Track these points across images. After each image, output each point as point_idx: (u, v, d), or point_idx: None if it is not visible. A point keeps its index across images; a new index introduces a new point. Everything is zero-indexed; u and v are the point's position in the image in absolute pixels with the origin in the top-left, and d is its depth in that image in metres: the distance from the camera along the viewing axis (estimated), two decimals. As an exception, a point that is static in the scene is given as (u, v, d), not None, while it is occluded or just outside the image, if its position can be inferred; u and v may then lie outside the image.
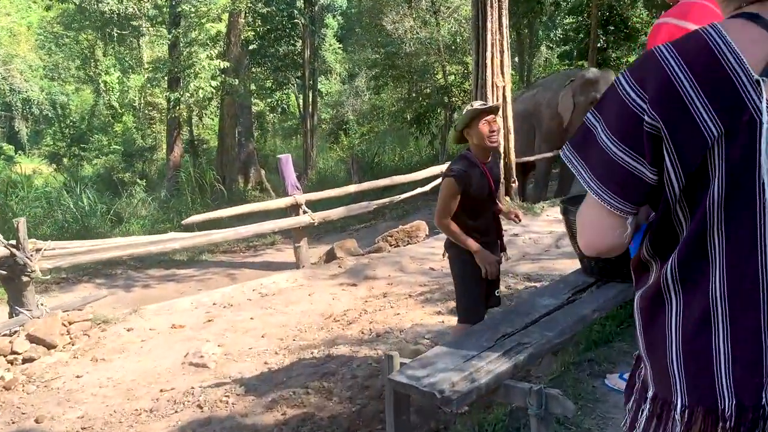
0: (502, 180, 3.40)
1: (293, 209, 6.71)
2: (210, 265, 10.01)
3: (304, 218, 6.69)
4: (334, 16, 32.67)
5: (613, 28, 19.17)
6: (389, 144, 20.55)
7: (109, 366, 4.45)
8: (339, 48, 31.67)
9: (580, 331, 2.48)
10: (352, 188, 7.64)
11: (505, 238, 3.30)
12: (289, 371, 3.87)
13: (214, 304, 5.83)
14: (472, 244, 2.97)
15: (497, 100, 8.08)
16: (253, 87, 20.11)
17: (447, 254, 3.19)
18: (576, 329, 2.42)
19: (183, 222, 6.62)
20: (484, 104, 3.08)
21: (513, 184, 8.88)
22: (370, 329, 4.43)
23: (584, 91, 9.30)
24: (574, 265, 6.17)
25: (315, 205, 9.13)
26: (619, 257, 2.63)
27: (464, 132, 3.09)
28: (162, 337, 4.99)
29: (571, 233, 2.76)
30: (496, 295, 3.23)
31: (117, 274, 9.52)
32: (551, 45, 26.52)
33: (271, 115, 27.79)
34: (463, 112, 3.09)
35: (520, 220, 3.26)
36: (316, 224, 6.92)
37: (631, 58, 24.56)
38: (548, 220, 8.24)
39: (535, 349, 2.19)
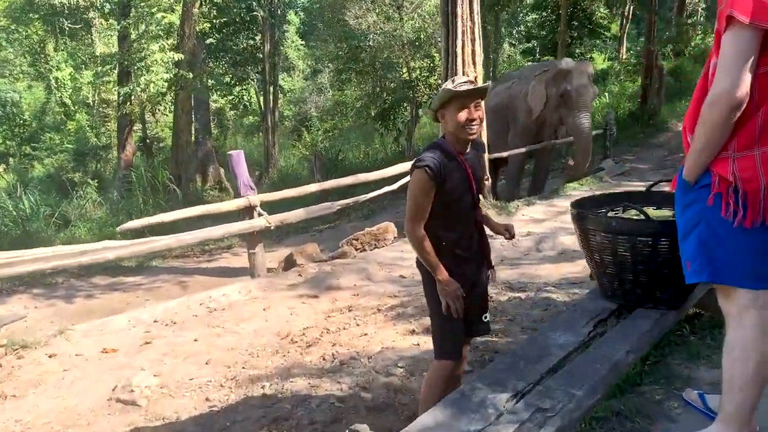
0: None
1: (247, 212, 6.00)
2: (160, 271, 9.26)
3: (259, 221, 5.99)
4: (296, 12, 31.92)
5: (577, 23, 18.93)
6: (354, 141, 19.93)
7: (19, 404, 3.71)
8: (301, 44, 30.95)
9: (614, 383, 1.88)
10: (313, 187, 6.96)
11: None
12: (234, 412, 3.20)
13: (155, 321, 5.11)
14: (440, 272, 2.39)
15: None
16: (210, 82, 19.23)
17: (421, 274, 2.58)
18: (610, 381, 1.83)
19: (118, 229, 5.86)
20: (470, 84, 2.45)
21: (486, 182, 8.33)
22: (333, 354, 3.78)
23: (557, 82, 8.79)
24: (558, 271, 5.64)
25: (274, 207, 8.44)
26: (651, 276, 2.04)
27: (438, 114, 2.46)
28: (89, 365, 4.26)
29: (588, 245, 2.17)
30: (484, 321, 2.62)
31: (58, 283, 8.72)
32: (513, 42, 26.33)
33: (231, 111, 26.91)
34: (441, 88, 2.44)
35: (513, 237, 2.67)
36: (272, 228, 6.22)
37: (596, 54, 24.65)
38: (524, 219, 7.70)
39: (563, 419, 1.57)
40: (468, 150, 2.50)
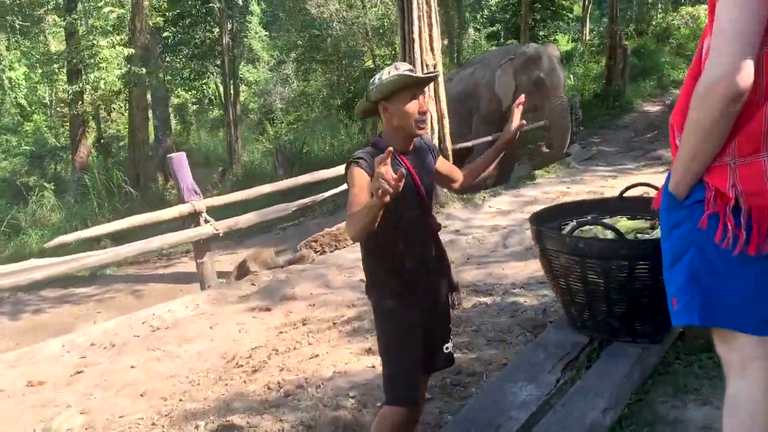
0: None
1: (192, 218, 5.56)
2: (114, 280, 8.80)
3: (206, 229, 5.56)
4: (258, 2, 31.19)
5: (540, 6, 18.67)
6: (319, 132, 19.47)
7: None
8: (265, 35, 30.27)
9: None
10: (267, 188, 6.53)
11: (443, 237, 2.30)
12: (161, 461, 2.81)
13: (91, 345, 4.67)
14: (369, 206, 1.75)
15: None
16: (168, 77, 18.58)
17: (372, 306, 2.21)
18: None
19: (46, 245, 5.38)
20: (413, 71, 2.08)
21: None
22: (279, 383, 3.40)
23: (527, 69, 8.50)
24: (526, 269, 5.31)
25: (227, 210, 8.00)
26: (628, 305, 1.70)
27: (381, 105, 2.07)
28: (11, 401, 3.82)
29: (550, 269, 1.81)
30: (446, 351, 2.26)
31: (4, 298, 8.23)
32: (478, 26, 26.04)
33: (194, 106, 26.20)
34: (383, 77, 2.03)
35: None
36: (221, 235, 5.80)
37: (560, 36, 24.49)
38: (490, 212, 7.39)
39: None
40: (410, 149, 2.14)
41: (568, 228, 2.02)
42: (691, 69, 1.40)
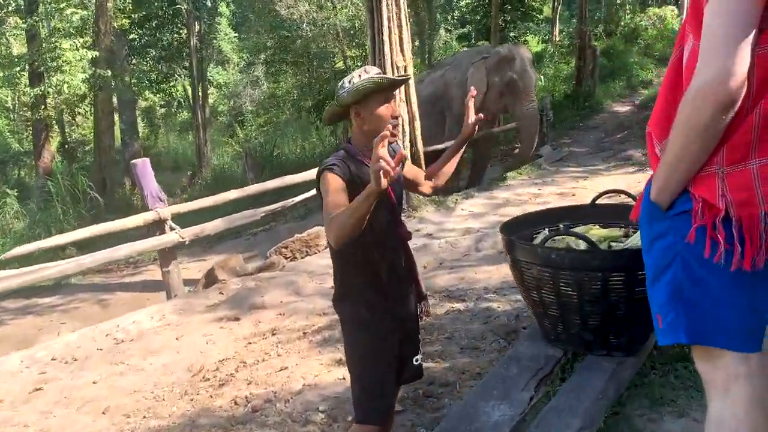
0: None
1: (157, 226, 5.40)
2: (79, 289, 8.56)
3: (171, 237, 5.40)
4: (227, 4, 30.88)
5: (510, 7, 18.77)
6: (290, 135, 19.31)
7: None
8: (235, 36, 29.98)
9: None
10: (233, 194, 6.37)
11: (416, 241, 2.21)
12: (121, 485, 2.68)
13: (53, 359, 4.50)
14: (366, 190, 1.62)
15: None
16: (134, 80, 18.24)
17: (340, 321, 2.12)
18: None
19: (2, 257, 5.18)
20: (384, 75, 2.00)
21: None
22: (246, 397, 3.29)
23: (499, 69, 8.47)
24: (499, 273, 5.25)
25: (195, 216, 7.83)
26: (603, 317, 1.63)
27: (352, 110, 1.98)
28: (-36, 422, 3.64)
29: (522, 280, 1.74)
30: (415, 363, 2.18)
31: (-37, 311, 7.95)
32: (449, 27, 26.11)
33: (161, 109, 25.82)
34: (353, 80, 1.95)
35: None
36: (187, 242, 5.64)
37: (530, 38, 24.68)
38: (463, 215, 7.34)
39: None
40: None
41: (539, 237, 1.96)
42: (668, 72, 1.33)
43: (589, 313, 1.63)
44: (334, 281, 2.11)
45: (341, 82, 2.01)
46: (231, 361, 3.93)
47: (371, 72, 1.98)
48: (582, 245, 1.73)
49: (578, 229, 1.97)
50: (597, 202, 2.07)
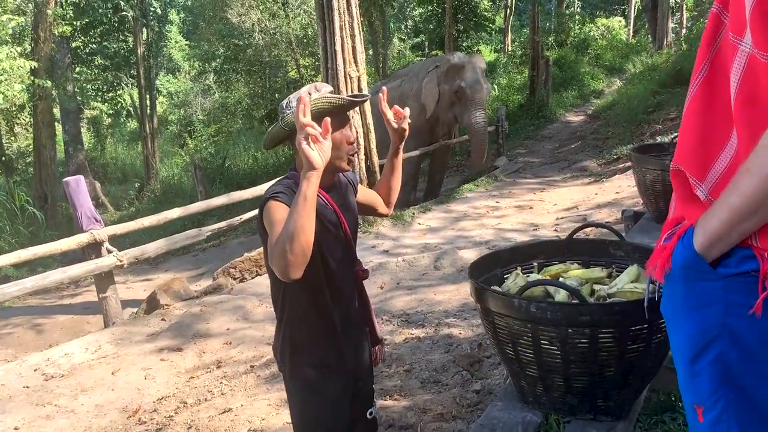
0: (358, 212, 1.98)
1: (93, 248, 5.00)
2: (12, 312, 7.99)
3: (108, 260, 4.99)
4: (178, 12, 30.24)
5: (462, 17, 18.82)
6: (242, 145, 18.87)
7: None
8: (186, 44, 29.36)
9: None
10: (176, 213, 5.98)
11: (372, 259, 1.97)
12: None
13: (-29, 400, 4.06)
14: (303, 180, 1.42)
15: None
16: (78, 89, 17.52)
17: (283, 370, 1.83)
18: None
19: None
20: (336, 94, 1.73)
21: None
22: (185, 447, 2.97)
23: (449, 78, 8.30)
24: (459, 293, 5.02)
25: (136, 234, 7.39)
26: (589, 378, 1.40)
27: None
28: None
29: (495, 333, 1.50)
30: (369, 417, 1.91)
31: None
32: (403, 37, 26.10)
33: (109, 119, 24.98)
34: (304, 98, 1.68)
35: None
36: (125, 266, 5.25)
37: (482, 47, 24.86)
38: (420, 229, 7.13)
39: None
40: (333, 184, 1.80)
41: (511, 278, 1.72)
42: (696, 99, 1.05)
43: (575, 373, 1.40)
44: (276, 330, 1.82)
45: (286, 100, 1.73)
46: (171, 399, 3.59)
47: (322, 90, 1.70)
48: (563, 293, 1.50)
49: (554, 268, 1.74)
50: (573, 237, 1.85)
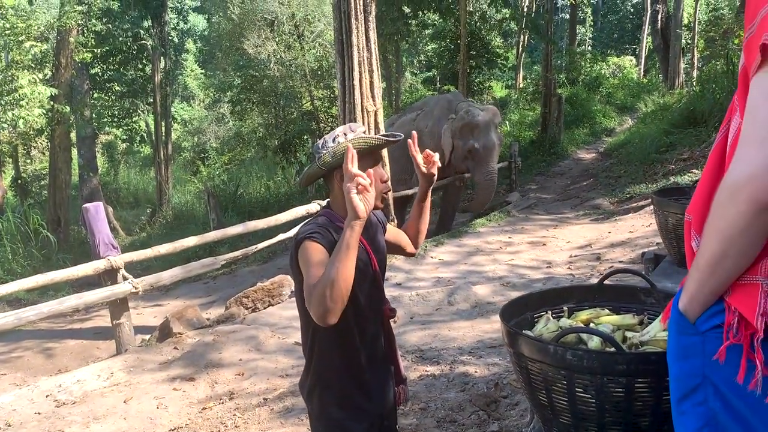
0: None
1: (109, 275, 5.03)
2: (23, 336, 7.99)
3: (123, 287, 5.02)
4: (194, 41, 30.81)
5: (474, 53, 19.05)
6: (255, 173, 19.02)
7: None
8: (201, 73, 29.84)
9: None
10: (192, 241, 6.02)
11: (385, 292, 1.95)
12: None
13: (-19, 425, 4.05)
14: (350, 222, 1.44)
15: (369, 128, 6.89)
16: (95, 115, 17.78)
17: (308, 405, 1.83)
18: None
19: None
20: (370, 134, 1.77)
21: (391, 223, 7.71)
22: (199, 480, 2.94)
23: (463, 135, 8.66)
24: (473, 330, 5.00)
25: (148, 261, 7.40)
26: (624, 428, 1.39)
27: (336, 173, 1.71)
28: None
29: (528, 380, 1.50)
30: None
31: None
32: (415, 71, 26.43)
33: (123, 144, 25.28)
34: (338, 139, 1.70)
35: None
36: (140, 293, 5.27)
37: (494, 83, 25.11)
38: (433, 263, 7.12)
39: None
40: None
41: (541, 322, 1.72)
42: (712, 156, 1.12)
43: (609, 422, 1.39)
44: (305, 368, 1.83)
45: (321, 140, 1.76)
46: (183, 430, 3.57)
47: (357, 130, 1.74)
48: (595, 340, 1.50)
49: (585, 313, 1.75)
50: (604, 282, 1.85)
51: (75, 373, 4.73)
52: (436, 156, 1.91)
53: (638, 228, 7.33)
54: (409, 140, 1.90)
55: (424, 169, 1.90)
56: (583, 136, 16.38)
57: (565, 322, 1.71)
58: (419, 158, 1.89)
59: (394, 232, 2.02)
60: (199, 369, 4.53)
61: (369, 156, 1.73)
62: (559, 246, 7.35)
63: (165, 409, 3.93)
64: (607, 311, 1.75)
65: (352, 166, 1.39)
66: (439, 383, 3.69)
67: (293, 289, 6.11)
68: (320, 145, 1.74)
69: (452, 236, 8.31)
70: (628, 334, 1.60)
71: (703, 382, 1.06)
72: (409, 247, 2.05)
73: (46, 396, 4.39)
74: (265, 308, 5.98)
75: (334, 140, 1.72)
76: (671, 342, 1.13)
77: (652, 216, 6.98)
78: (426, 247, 7.68)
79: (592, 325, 1.63)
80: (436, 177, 1.93)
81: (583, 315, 1.74)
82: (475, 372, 3.81)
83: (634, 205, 8.71)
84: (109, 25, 16.64)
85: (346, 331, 1.71)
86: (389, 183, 1.85)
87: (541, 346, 1.41)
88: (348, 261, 1.41)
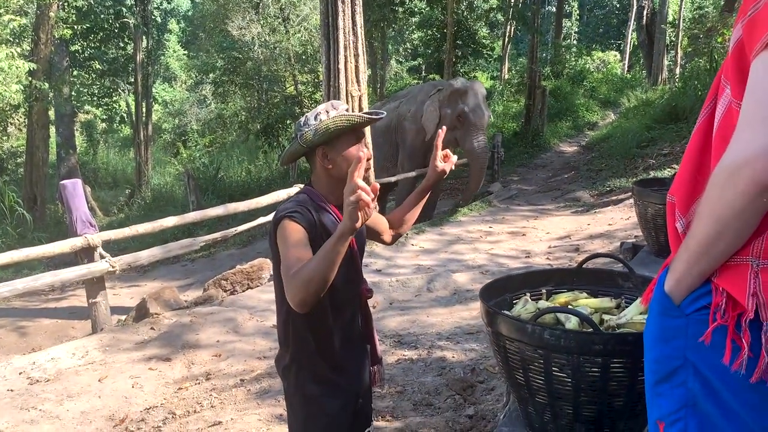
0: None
1: (85, 253, 4.96)
2: (-4, 314, 7.87)
3: (100, 265, 4.95)
4: (178, 21, 30.39)
5: (461, 43, 19.04)
6: (236, 157, 18.87)
7: None
8: (184, 54, 29.47)
9: None
10: (171, 221, 5.96)
11: (365, 278, 1.96)
12: None
13: (-47, 401, 3.99)
14: (339, 230, 1.39)
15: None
16: (74, 93, 17.49)
17: (285, 382, 1.83)
18: None
19: None
20: (352, 112, 1.76)
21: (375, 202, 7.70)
22: (173, 458, 2.93)
23: (451, 102, 8.38)
24: (452, 317, 5.01)
25: (127, 240, 7.31)
26: (599, 408, 1.41)
27: (318, 151, 1.70)
28: None
29: (506, 359, 1.51)
30: None
31: None
32: (400, 59, 26.34)
33: (102, 124, 24.92)
34: (320, 117, 1.68)
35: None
36: (117, 272, 5.21)
37: (479, 74, 25.11)
38: (414, 250, 7.14)
39: None
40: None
41: (519, 304, 1.73)
42: (695, 136, 1.12)
43: (584, 402, 1.40)
44: (281, 346, 1.82)
45: (303, 118, 1.74)
46: (158, 410, 3.55)
47: (339, 108, 1.73)
48: (573, 321, 1.51)
49: (563, 296, 1.76)
50: (583, 266, 1.87)
51: (49, 351, 4.67)
52: (454, 158, 1.93)
53: (617, 220, 7.40)
54: (440, 130, 1.92)
55: (439, 165, 1.90)
56: (566, 129, 16.47)
57: (543, 304, 1.72)
58: (440, 153, 1.90)
59: (376, 218, 2.01)
60: (175, 349, 4.50)
61: (351, 134, 1.72)
62: (538, 237, 7.40)
63: (140, 389, 3.90)
64: (585, 294, 1.76)
65: (358, 178, 1.35)
66: (417, 367, 3.71)
67: (272, 272, 6.10)
68: (302, 123, 1.73)
69: (433, 224, 8.32)
70: (606, 317, 1.62)
71: (684, 364, 1.07)
72: (386, 235, 2.03)
73: (20, 373, 4.33)
74: (243, 291, 5.95)
75: (316, 118, 1.71)
76: (652, 323, 1.13)
77: (631, 209, 7.05)
78: (407, 234, 7.68)
79: (570, 307, 1.65)
80: (446, 175, 1.94)
81: (562, 298, 1.75)
82: (453, 357, 3.83)
83: (614, 198, 8.79)
84: (91, 1, 16.33)
85: (320, 312, 1.71)
86: (371, 162, 1.84)
87: (519, 325, 1.41)
88: (333, 266, 1.40)
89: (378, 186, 1.42)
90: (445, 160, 1.92)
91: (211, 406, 3.48)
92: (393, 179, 8.80)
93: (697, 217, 1.02)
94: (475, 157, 8.48)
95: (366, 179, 1.77)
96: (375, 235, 2.02)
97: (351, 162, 1.60)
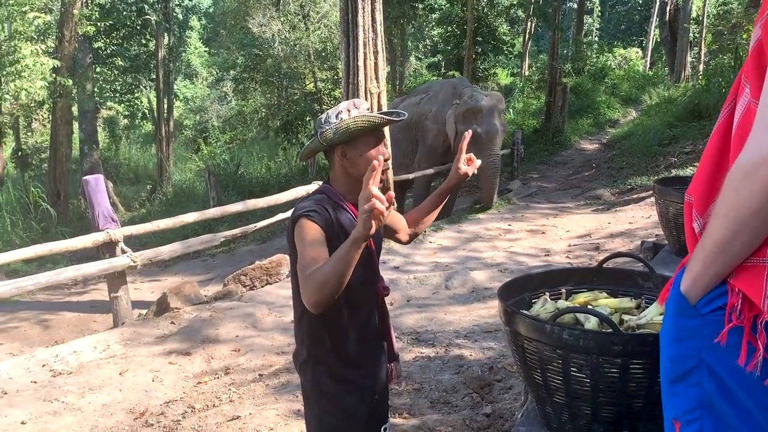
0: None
1: (107, 248, 5.02)
2: (20, 307, 8.02)
3: (121, 260, 5.02)
4: (199, 18, 30.61)
5: (481, 39, 18.95)
6: (256, 153, 18.97)
7: None
8: (205, 51, 29.69)
9: None
10: (191, 217, 6.01)
11: (382, 275, 1.96)
12: None
13: (-22, 392, 4.07)
14: (354, 234, 1.38)
15: (372, 110, 6.85)
16: (97, 89, 17.69)
17: (302, 377, 1.84)
18: None
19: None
20: (372, 110, 1.77)
21: (391, 207, 7.71)
22: (192, 451, 2.96)
23: (466, 121, 8.46)
24: (470, 315, 5.01)
25: (148, 235, 7.39)
26: (618, 409, 1.39)
27: (338, 150, 1.71)
28: None
29: (524, 358, 1.51)
30: None
31: None
32: (419, 56, 26.27)
33: (125, 120, 25.18)
34: (341, 116, 1.69)
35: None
36: (139, 267, 5.28)
37: (499, 69, 24.97)
38: (432, 248, 7.13)
39: None
40: None
41: (538, 303, 1.73)
42: (715, 135, 1.11)
43: (603, 403, 1.40)
44: (296, 339, 1.84)
45: (324, 115, 1.75)
46: (178, 403, 3.59)
47: (361, 107, 1.73)
48: (592, 321, 1.50)
49: (583, 296, 1.75)
50: (603, 266, 1.86)
51: (71, 344, 4.75)
52: (478, 162, 1.96)
53: (638, 219, 7.32)
54: (466, 133, 1.95)
55: (462, 168, 1.91)
56: (587, 127, 16.32)
57: (562, 303, 1.71)
58: (464, 155, 1.91)
59: (393, 216, 2.01)
60: (195, 344, 4.55)
61: (371, 134, 1.72)
62: (558, 235, 7.35)
63: (160, 382, 3.95)
64: (605, 294, 1.75)
65: (371, 185, 1.34)
66: (434, 365, 3.70)
67: (290, 269, 6.12)
68: (323, 120, 1.73)
69: (451, 222, 8.31)
70: (625, 317, 1.60)
71: (699, 365, 1.06)
72: (403, 234, 2.03)
73: (42, 365, 4.41)
74: (262, 287, 5.99)
75: (337, 116, 1.71)
76: (668, 323, 1.12)
77: (652, 207, 6.97)
78: (425, 232, 7.67)
79: (589, 307, 1.64)
80: (468, 178, 1.95)
81: (581, 297, 1.74)
82: (470, 355, 3.82)
83: (635, 196, 8.70)
84: (116, -1, 16.49)
85: (336, 312, 1.72)
86: (390, 162, 1.84)
87: (538, 325, 1.41)
88: (348, 269, 1.41)
89: (393, 195, 1.42)
90: (469, 164, 1.92)
91: (230, 401, 3.51)
92: (411, 176, 8.80)
93: (713, 217, 1.01)
94: (485, 175, 8.63)
95: (384, 180, 1.77)
96: (392, 234, 2.02)
97: (370, 162, 1.60)
